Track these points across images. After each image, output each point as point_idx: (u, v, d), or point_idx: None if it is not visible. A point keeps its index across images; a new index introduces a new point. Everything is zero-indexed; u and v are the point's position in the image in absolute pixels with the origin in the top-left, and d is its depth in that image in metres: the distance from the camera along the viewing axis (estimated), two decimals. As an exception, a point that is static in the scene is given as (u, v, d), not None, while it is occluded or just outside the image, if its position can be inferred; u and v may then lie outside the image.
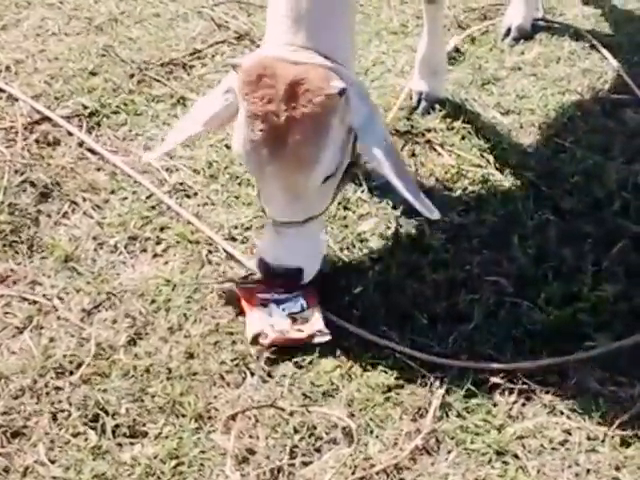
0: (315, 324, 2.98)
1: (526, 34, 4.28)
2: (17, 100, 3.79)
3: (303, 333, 2.97)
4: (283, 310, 3.02)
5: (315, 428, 2.75)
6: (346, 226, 3.34)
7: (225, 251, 3.23)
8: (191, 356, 2.92)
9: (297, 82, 2.78)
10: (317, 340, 2.96)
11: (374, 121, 2.93)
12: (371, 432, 2.74)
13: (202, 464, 2.65)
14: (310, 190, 2.91)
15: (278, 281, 3.03)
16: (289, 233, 2.97)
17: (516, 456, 2.67)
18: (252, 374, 2.89)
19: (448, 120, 3.73)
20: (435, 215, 2.92)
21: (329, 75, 2.82)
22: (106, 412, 2.75)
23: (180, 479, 2.62)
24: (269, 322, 2.98)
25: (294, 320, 3.00)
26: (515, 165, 3.55)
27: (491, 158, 3.58)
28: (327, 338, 2.95)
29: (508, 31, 4.28)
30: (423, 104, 3.83)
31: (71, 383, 2.83)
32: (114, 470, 2.63)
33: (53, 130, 3.66)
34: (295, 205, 2.93)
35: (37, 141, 3.61)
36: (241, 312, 3.03)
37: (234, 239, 3.30)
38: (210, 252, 3.25)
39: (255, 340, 2.95)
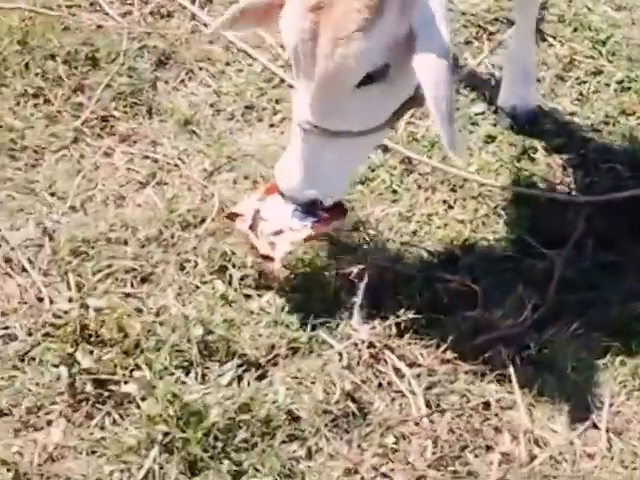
0: (268, 248, 2.63)
1: None
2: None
3: (260, 247, 2.65)
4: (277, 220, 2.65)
5: (437, 292, 2.75)
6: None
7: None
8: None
9: None
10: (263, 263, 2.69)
11: (440, 33, 2.40)
12: (494, 298, 2.73)
13: (330, 315, 2.65)
14: (347, 81, 2.40)
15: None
16: (313, 147, 2.49)
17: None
18: (372, 238, 2.89)
19: (558, 12, 3.65)
20: (458, 156, 2.55)
21: None
22: (233, 264, 2.75)
23: (307, 329, 2.62)
24: (256, 214, 2.67)
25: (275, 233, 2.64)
26: (627, 58, 3.48)
27: (604, 50, 3.51)
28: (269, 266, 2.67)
29: None
30: (521, 118, 3.28)
31: (197, 235, 2.83)
32: (243, 317, 2.63)
33: (166, 3, 3.61)
34: (327, 102, 2.43)
35: (151, 13, 3.58)
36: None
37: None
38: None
39: (232, 216, 2.71)
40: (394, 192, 3.04)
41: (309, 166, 2.51)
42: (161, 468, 2.31)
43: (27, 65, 3.27)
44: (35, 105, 3.18)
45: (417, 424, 2.44)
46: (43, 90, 3.21)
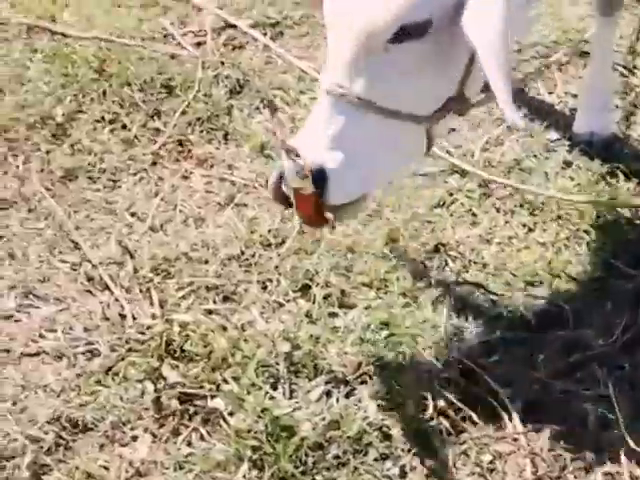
0: None
1: None
2: (201, 10, 3.67)
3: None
4: None
5: (524, 312, 2.59)
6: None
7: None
8: (392, 240, 2.77)
9: None
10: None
11: None
12: (583, 318, 2.57)
13: (415, 336, 2.50)
14: (379, 32, 1.97)
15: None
16: (339, 115, 2.05)
17: None
18: (453, 260, 2.74)
19: (629, 44, 3.53)
20: (515, 117, 2.00)
21: None
22: (316, 283, 2.62)
23: (394, 348, 2.47)
24: None
25: None
26: None
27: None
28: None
29: None
30: (597, 145, 3.13)
31: (279, 254, 2.70)
32: (328, 334, 2.49)
33: (239, 36, 3.53)
34: (358, 59, 2.01)
35: (224, 44, 3.49)
36: None
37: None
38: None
39: None
40: (473, 215, 2.90)
41: (332, 135, 2.05)
42: (251, 484, 2.16)
43: (104, 92, 3.18)
44: (112, 130, 3.08)
45: (515, 440, 2.26)
46: (120, 116, 3.12)
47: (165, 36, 3.51)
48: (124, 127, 3.09)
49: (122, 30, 3.46)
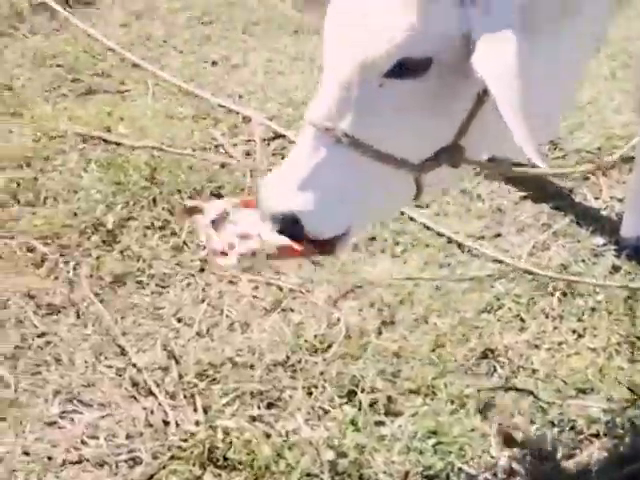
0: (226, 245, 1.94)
1: None
2: (250, 121, 3.67)
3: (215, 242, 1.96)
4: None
5: (574, 419, 2.45)
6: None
7: (466, 250, 3.00)
8: (439, 345, 2.67)
9: None
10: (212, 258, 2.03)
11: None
12: (638, 427, 2.42)
13: (463, 444, 2.37)
14: (375, 64, 1.78)
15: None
16: (320, 151, 1.85)
17: None
18: (502, 366, 2.63)
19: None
20: (537, 157, 1.73)
21: None
22: (361, 389, 2.51)
23: (442, 457, 2.34)
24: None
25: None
26: None
27: None
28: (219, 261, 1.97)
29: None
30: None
31: (324, 360, 2.60)
32: (374, 442, 2.37)
33: (287, 145, 3.51)
34: (348, 91, 1.82)
35: (273, 154, 3.48)
36: None
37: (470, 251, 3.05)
38: (447, 256, 3.02)
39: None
40: (522, 320, 2.79)
41: (309, 174, 1.85)
42: None
43: (154, 200, 3.16)
44: (162, 237, 3.04)
45: None
46: (169, 223, 3.09)
47: (216, 146, 3.50)
48: (173, 234, 3.05)
49: (174, 140, 3.46)
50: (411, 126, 1.85)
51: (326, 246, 1.93)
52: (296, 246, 1.89)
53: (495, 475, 2.30)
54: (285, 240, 1.89)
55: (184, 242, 3.02)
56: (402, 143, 1.87)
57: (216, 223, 1.99)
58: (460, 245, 3.04)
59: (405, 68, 1.78)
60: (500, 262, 2.98)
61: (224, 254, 1.94)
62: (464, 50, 1.74)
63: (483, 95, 1.80)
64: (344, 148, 1.84)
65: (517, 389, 2.52)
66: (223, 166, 3.36)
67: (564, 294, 2.87)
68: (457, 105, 1.85)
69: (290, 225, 1.86)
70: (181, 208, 2.10)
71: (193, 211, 2.06)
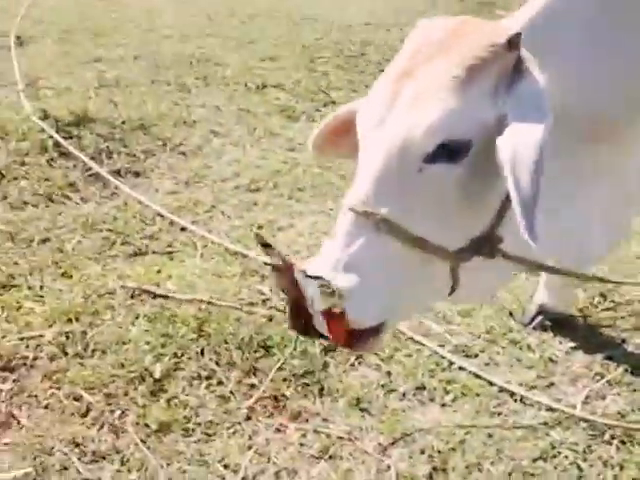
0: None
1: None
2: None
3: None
4: None
5: None
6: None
7: (518, 399, 2.94)
8: (494, 490, 2.60)
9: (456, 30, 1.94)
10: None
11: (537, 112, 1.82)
12: None
13: None
14: (415, 149, 1.85)
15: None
16: (360, 235, 1.89)
17: None
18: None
19: None
20: (537, 245, 1.80)
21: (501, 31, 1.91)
22: (414, 534, 2.43)
23: None
24: None
25: None
26: None
27: None
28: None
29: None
30: (540, 318, 3.28)
31: (375, 508, 2.54)
32: None
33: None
34: (387, 178, 1.88)
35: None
36: None
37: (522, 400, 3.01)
38: (499, 404, 2.97)
39: None
40: (579, 469, 2.71)
41: (350, 258, 1.88)
42: None
43: (202, 351, 3.17)
44: (208, 386, 3.04)
45: None
46: (216, 373, 3.09)
47: (263, 301, 3.53)
48: (220, 383, 3.05)
49: (222, 295, 3.51)
50: (448, 213, 1.91)
51: (361, 338, 1.93)
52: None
53: None
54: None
55: (231, 391, 3.01)
56: (438, 229, 1.92)
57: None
58: (512, 394, 3.00)
59: (445, 152, 1.86)
60: (554, 410, 2.92)
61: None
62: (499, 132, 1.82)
63: None
64: (382, 234, 1.89)
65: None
66: (271, 319, 3.38)
67: (622, 442, 2.80)
68: (492, 193, 1.91)
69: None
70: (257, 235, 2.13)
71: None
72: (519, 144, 1.79)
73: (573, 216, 2.08)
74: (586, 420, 2.87)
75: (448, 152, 1.86)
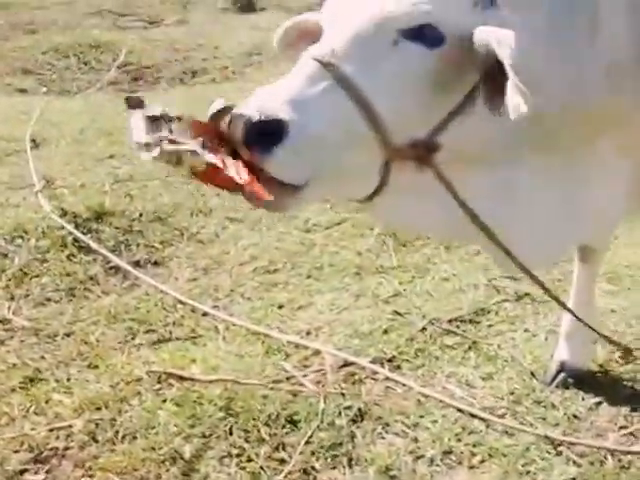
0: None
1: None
2: (319, 353, 3.83)
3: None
4: None
5: None
6: None
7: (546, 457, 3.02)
8: None
9: None
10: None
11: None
12: None
13: None
14: (393, 20, 1.96)
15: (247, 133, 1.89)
16: (314, 82, 1.93)
17: None
18: None
19: None
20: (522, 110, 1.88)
21: None
22: None
23: None
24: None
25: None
26: None
27: None
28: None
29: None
30: (561, 376, 3.38)
31: None
32: None
33: (358, 372, 3.64)
34: (356, 40, 1.96)
35: (344, 380, 3.60)
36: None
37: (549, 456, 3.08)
38: (526, 464, 3.05)
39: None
40: (610, 521, 2.78)
41: (301, 97, 1.90)
42: None
43: (231, 429, 3.27)
44: (238, 463, 3.13)
45: None
46: (246, 450, 3.18)
47: (288, 378, 3.64)
48: (250, 460, 3.14)
49: (246, 374, 3.61)
50: (402, 101, 1.98)
51: (279, 194, 1.87)
52: (235, 174, 1.81)
53: None
54: (214, 160, 1.83)
55: (261, 467, 3.11)
56: (389, 112, 1.97)
57: (153, 122, 1.92)
58: (540, 452, 3.07)
59: (423, 36, 1.94)
60: (580, 466, 3.00)
61: (148, 148, 1.87)
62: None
63: (475, 93, 1.96)
64: (338, 90, 1.93)
65: None
66: (296, 394, 3.48)
67: None
68: (449, 96, 1.99)
69: (260, 137, 1.84)
70: (126, 97, 2.02)
71: (136, 104, 1.98)
72: (499, 32, 1.89)
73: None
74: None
75: (424, 37, 1.96)
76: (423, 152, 2.02)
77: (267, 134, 1.86)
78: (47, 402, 3.61)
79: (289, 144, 1.88)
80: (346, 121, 1.95)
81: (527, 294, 4.11)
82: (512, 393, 3.41)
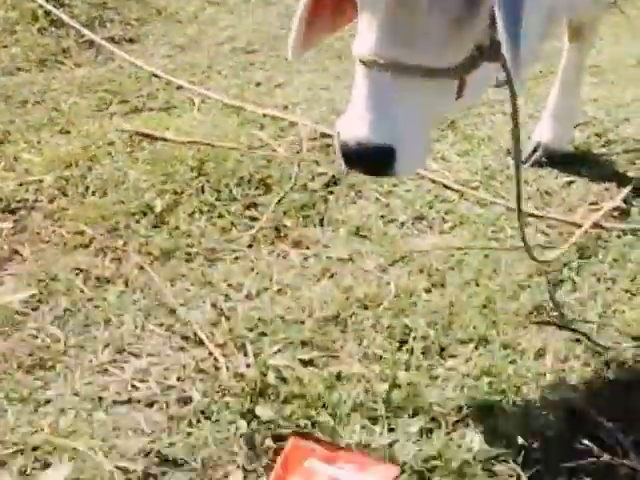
0: None
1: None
2: (296, 125, 3.80)
3: None
4: None
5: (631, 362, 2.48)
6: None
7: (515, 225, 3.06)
8: (490, 302, 2.72)
9: None
10: None
11: None
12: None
13: (518, 383, 2.41)
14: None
15: (359, 166, 2.11)
16: (383, 85, 2.01)
17: None
18: (555, 318, 2.67)
19: None
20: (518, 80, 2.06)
21: None
22: (413, 337, 2.56)
23: (497, 394, 2.37)
24: None
25: None
26: None
27: None
28: None
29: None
30: (537, 154, 3.43)
31: (375, 315, 2.66)
32: (428, 381, 2.41)
33: (333, 144, 3.62)
34: (404, 27, 2.00)
35: (319, 151, 3.59)
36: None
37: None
38: (496, 231, 3.09)
39: None
40: (573, 283, 2.84)
41: (380, 108, 2.00)
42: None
43: (202, 188, 3.28)
44: (209, 219, 3.15)
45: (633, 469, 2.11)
46: (217, 207, 3.20)
47: (262, 146, 3.63)
48: (221, 216, 3.16)
49: (221, 140, 3.59)
50: (453, 33, 2.04)
51: None
52: None
53: (555, 412, 2.33)
54: None
55: (232, 223, 3.13)
56: (446, 48, 2.04)
57: None
58: (510, 220, 3.11)
59: None
60: (548, 235, 3.05)
61: None
62: None
63: None
64: (401, 78, 2.00)
65: (573, 329, 2.56)
66: (269, 160, 3.48)
67: (615, 260, 2.92)
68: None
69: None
70: None
71: None
72: None
73: None
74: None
75: None
76: (492, 52, 2.06)
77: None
78: (16, 160, 3.58)
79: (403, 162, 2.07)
80: (422, 105, 2.07)
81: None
82: (486, 168, 3.42)
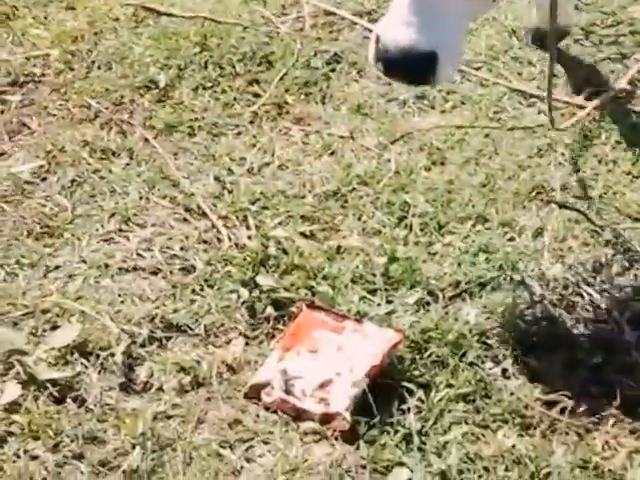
0: (340, 403, 2.04)
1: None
2: (298, 2, 3.72)
3: (319, 407, 2.05)
4: (316, 371, 2.10)
5: (629, 240, 2.49)
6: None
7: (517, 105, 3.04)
8: (490, 181, 2.71)
9: None
10: (334, 425, 2.02)
11: None
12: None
13: (515, 260, 2.42)
14: None
15: (400, 73, 2.00)
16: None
17: None
18: (555, 197, 2.67)
19: None
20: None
21: None
22: (412, 214, 2.56)
23: (494, 270, 2.39)
24: (285, 377, 2.09)
25: (321, 385, 2.08)
26: None
27: None
28: (345, 426, 2.01)
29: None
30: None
31: (375, 191, 2.66)
32: (425, 256, 2.43)
33: (337, 22, 3.55)
34: None
35: (322, 28, 3.52)
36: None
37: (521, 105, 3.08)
38: (498, 112, 3.05)
39: (254, 390, 2.09)
40: (574, 164, 2.82)
41: (425, 13, 1.89)
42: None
43: (206, 63, 3.23)
44: (212, 94, 3.11)
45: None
46: (220, 83, 3.16)
47: (265, 23, 3.56)
48: (224, 91, 3.12)
49: (224, 15, 3.52)
50: None
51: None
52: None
53: (548, 286, 2.34)
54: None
55: (234, 98, 3.09)
56: None
57: (288, 389, 2.06)
58: (512, 101, 3.07)
59: None
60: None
61: (330, 416, 2.03)
62: None
63: None
64: None
65: (571, 208, 2.56)
66: (272, 37, 3.42)
67: (618, 142, 2.90)
68: None
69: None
70: (245, 391, 2.11)
71: (256, 391, 2.09)
72: None
73: None
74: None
75: None
76: None
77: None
78: (24, 34, 3.52)
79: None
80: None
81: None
82: (490, 49, 3.36)
